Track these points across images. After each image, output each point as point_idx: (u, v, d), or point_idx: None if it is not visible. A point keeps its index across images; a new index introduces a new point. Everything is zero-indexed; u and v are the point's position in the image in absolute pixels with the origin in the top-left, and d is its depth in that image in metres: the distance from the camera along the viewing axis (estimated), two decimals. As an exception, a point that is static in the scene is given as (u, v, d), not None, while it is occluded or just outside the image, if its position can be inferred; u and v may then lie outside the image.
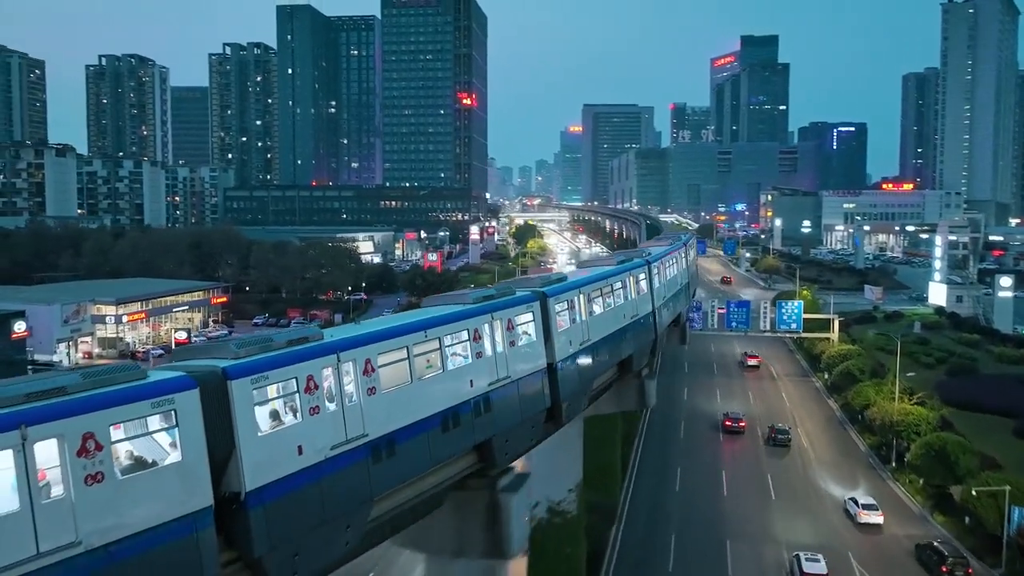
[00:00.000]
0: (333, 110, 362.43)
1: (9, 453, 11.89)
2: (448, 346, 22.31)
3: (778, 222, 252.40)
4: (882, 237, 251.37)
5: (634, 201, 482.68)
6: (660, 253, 46.26)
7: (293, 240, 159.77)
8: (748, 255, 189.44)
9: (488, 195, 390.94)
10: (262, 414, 16.10)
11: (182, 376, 14.89)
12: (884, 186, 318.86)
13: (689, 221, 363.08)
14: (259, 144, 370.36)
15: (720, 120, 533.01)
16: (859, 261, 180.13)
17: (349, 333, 20.16)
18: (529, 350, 26.22)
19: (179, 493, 14.15)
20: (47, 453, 12.40)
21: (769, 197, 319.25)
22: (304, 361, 17.26)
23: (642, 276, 39.42)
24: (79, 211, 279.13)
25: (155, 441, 14.16)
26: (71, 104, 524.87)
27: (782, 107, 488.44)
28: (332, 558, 17.91)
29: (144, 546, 13.45)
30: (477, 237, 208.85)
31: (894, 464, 58.94)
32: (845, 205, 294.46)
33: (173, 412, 14.20)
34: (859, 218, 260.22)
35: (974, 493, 43.92)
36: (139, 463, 13.80)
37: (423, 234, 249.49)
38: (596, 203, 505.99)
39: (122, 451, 13.58)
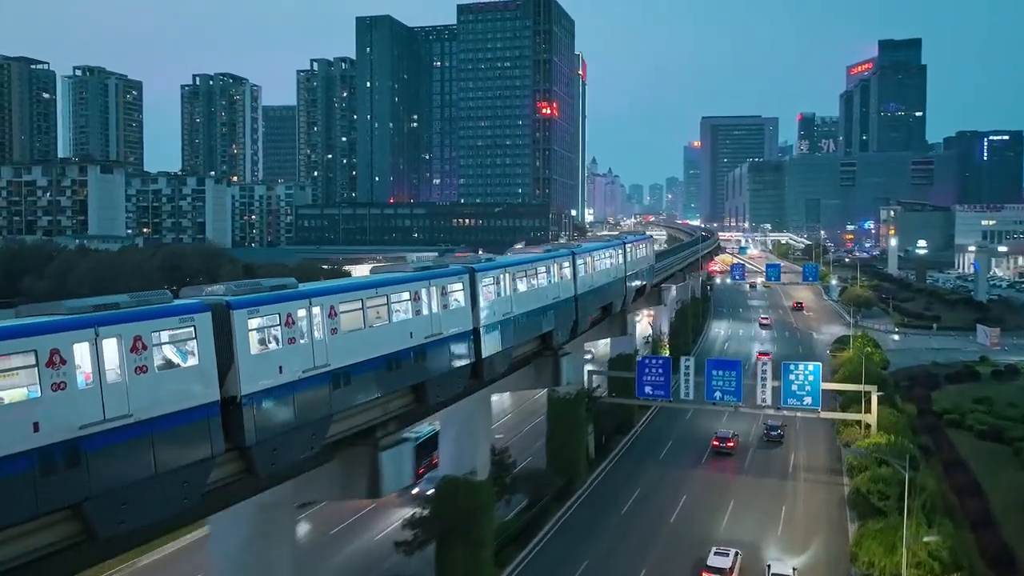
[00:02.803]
0: (415, 124, 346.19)
1: (86, 345, 16.63)
2: (393, 303, 26.56)
3: (893, 242, 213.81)
4: (1022, 260, 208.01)
5: (747, 218, 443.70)
6: (588, 248, 48.21)
7: (287, 262, 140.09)
8: (836, 282, 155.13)
9: (576, 211, 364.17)
10: (253, 339, 20.86)
11: (199, 302, 19.84)
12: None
13: (802, 240, 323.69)
14: (343, 161, 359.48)
15: (848, 129, 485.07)
16: (980, 292, 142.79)
17: (318, 286, 25.22)
18: (458, 314, 30.21)
19: (196, 388, 19.07)
20: (111, 348, 17.16)
21: (892, 213, 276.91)
22: (285, 302, 21.96)
23: (566, 264, 42.54)
24: (144, 230, 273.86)
25: (180, 348, 18.89)
26: (169, 124, 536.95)
27: (918, 113, 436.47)
28: (299, 457, 22.42)
29: (173, 423, 18.25)
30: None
31: None
32: (983, 222, 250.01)
33: (193, 328, 19.08)
34: (991, 237, 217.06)
35: None
36: (169, 363, 18.63)
37: (481, 253, 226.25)
38: (698, 220, 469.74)
39: (159, 352, 18.36)
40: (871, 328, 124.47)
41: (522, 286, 36.53)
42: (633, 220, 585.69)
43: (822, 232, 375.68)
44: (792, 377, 56.31)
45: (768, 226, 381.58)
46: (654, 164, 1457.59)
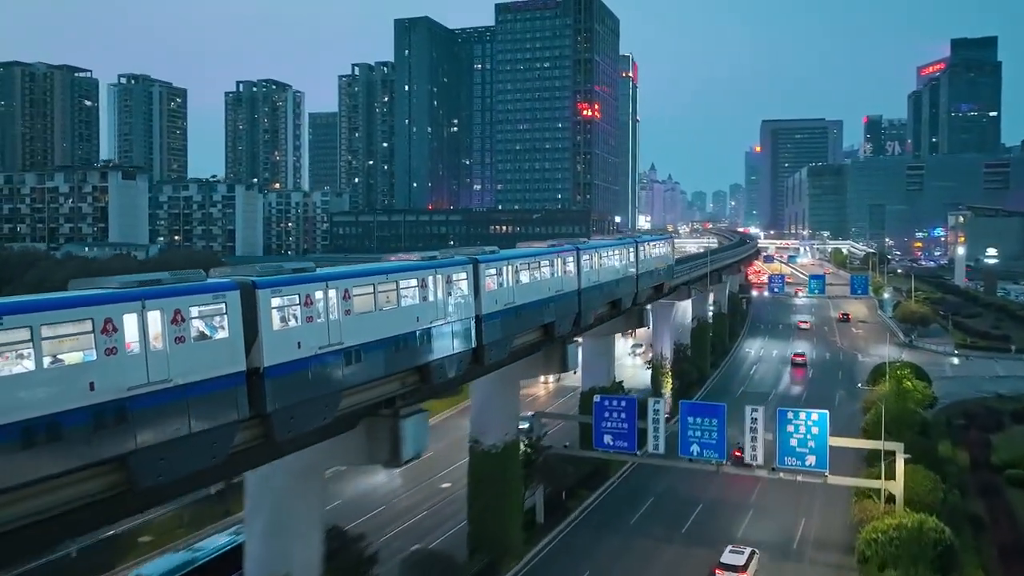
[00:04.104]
0: (455, 128, 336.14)
1: (135, 316, 18.39)
2: (402, 288, 27.99)
3: (960, 250, 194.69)
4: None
5: (806, 225, 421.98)
6: (593, 245, 47.76)
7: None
8: (889, 295, 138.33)
9: (622, 218, 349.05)
10: (276, 316, 22.33)
11: (230, 281, 21.54)
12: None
13: (862, 248, 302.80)
14: (385, 167, 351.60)
15: (917, 131, 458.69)
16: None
17: (334, 270, 26.37)
18: (462, 302, 31.54)
19: (226, 358, 20.66)
20: (155, 319, 18.90)
21: (960, 219, 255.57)
22: (304, 283, 23.51)
23: (569, 259, 42.60)
24: (176, 238, 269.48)
25: (213, 321, 20.58)
26: (214, 131, 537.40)
27: (992, 113, 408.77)
28: (313, 426, 23.90)
29: (206, 389, 19.94)
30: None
31: None
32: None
33: (224, 304, 20.75)
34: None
35: None
36: (203, 335, 20.21)
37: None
38: (753, 227, 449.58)
39: (195, 325, 19.96)
40: (927, 349, 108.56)
41: (524, 278, 37.09)
42: (688, 227, 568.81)
43: (887, 240, 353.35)
44: (791, 429, 42.76)
45: (826, 233, 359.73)
46: (717, 170, 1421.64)
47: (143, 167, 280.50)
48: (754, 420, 43.60)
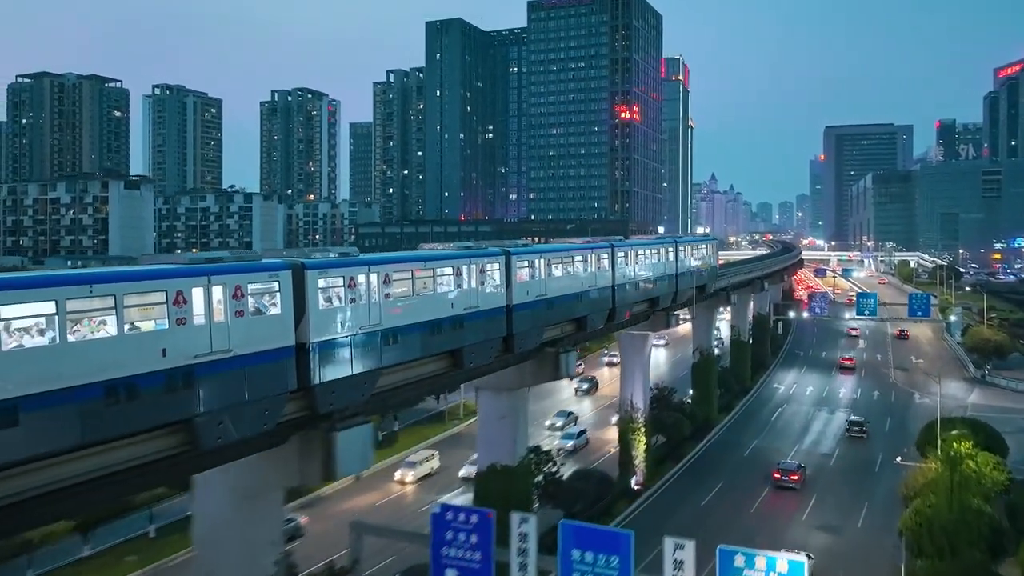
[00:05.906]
0: (490, 135, 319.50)
1: (201, 290, 19.65)
2: (438, 276, 29.01)
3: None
4: None
5: (871, 236, 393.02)
6: (628, 243, 48.15)
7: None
8: (956, 317, 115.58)
9: (665, 228, 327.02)
10: (322, 296, 23.46)
11: (282, 262, 22.73)
12: None
13: (931, 260, 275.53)
14: (419, 176, 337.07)
15: (993, 135, 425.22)
16: None
17: (376, 256, 27.65)
18: (494, 291, 32.45)
19: (278, 333, 21.78)
20: (218, 294, 20.11)
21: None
22: (348, 267, 24.72)
23: (604, 256, 42.81)
24: (193, 250, 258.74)
25: (268, 298, 21.67)
26: (251, 142, 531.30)
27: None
28: (353, 401, 24.77)
29: (261, 360, 21.02)
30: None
31: None
32: None
33: (278, 283, 21.92)
34: None
35: None
36: (259, 310, 21.36)
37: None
38: (811, 239, 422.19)
39: (252, 300, 21.09)
40: (1004, 387, 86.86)
41: (556, 271, 37.29)
42: (742, 238, 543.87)
43: (961, 251, 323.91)
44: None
45: (892, 244, 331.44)
46: (784, 180, 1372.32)
47: (147, 176, 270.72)
48: (678, 564, 24.73)
